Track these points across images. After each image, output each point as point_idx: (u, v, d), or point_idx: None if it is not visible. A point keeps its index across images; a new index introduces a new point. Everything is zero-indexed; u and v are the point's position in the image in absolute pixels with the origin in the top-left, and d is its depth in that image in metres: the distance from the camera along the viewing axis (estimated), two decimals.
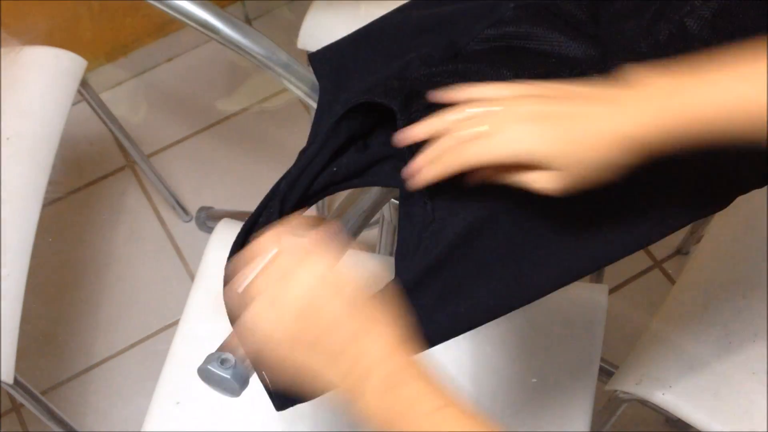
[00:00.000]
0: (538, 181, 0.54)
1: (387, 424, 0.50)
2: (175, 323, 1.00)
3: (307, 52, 1.21)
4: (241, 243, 0.61)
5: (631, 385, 0.91)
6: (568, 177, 0.53)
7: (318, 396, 0.55)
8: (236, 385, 0.57)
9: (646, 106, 0.51)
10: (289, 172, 0.64)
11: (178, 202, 1.59)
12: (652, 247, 1.52)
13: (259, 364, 0.56)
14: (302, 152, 0.65)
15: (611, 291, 1.47)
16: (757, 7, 0.66)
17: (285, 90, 1.71)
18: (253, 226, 0.62)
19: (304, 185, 0.63)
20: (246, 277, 0.53)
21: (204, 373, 0.58)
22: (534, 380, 0.90)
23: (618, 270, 1.50)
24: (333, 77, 0.69)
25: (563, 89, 0.55)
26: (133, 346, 1.49)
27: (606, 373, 1.08)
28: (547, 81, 0.56)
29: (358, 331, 0.51)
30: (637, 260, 1.52)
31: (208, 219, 1.58)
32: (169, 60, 1.81)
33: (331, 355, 0.50)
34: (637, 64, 0.54)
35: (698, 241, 1.44)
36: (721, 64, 0.51)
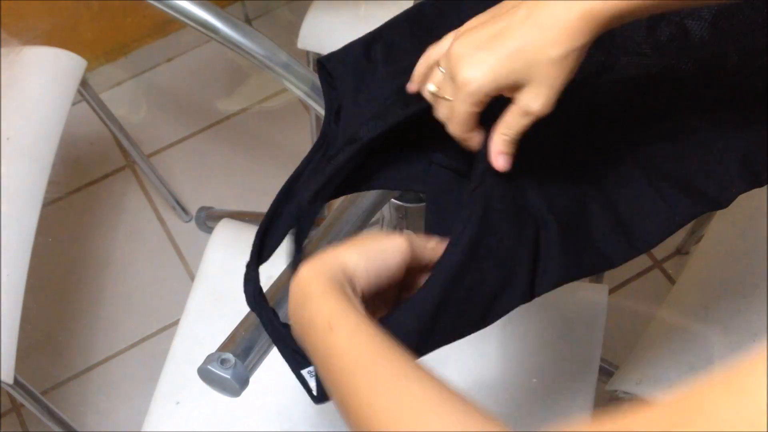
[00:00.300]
0: (523, 102, 0.52)
1: (302, 340, 0.50)
2: (175, 323, 0.99)
3: (308, 52, 1.21)
4: (258, 248, 0.60)
5: (631, 385, 0.91)
6: (546, 86, 0.51)
7: None
8: (236, 385, 0.57)
9: None
10: (307, 180, 0.62)
11: (178, 202, 1.59)
12: None
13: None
14: (314, 154, 0.64)
15: (611, 291, 1.47)
16: (757, 8, 0.66)
17: (285, 90, 1.71)
18: (267, 231, 0.61)
19: (326, 196, 0.62)
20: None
21: (204, 373, 0.58)
22: (534, 380, 0.90)
23: (618, 270, 1.50)
24: (350, 73, 0.68)
25: (498, 7, 0.53)
26: (133, 346, 1.49)
27: (606, 373, 1.08)
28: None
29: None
30: (637, 260, 1.52)
31: (208, 219, 1.58)
32: (169, 60, 1.81)
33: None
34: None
35: (698, 241, 1.44)
36: None
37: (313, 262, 0.51)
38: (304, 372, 0.55)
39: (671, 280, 1.50)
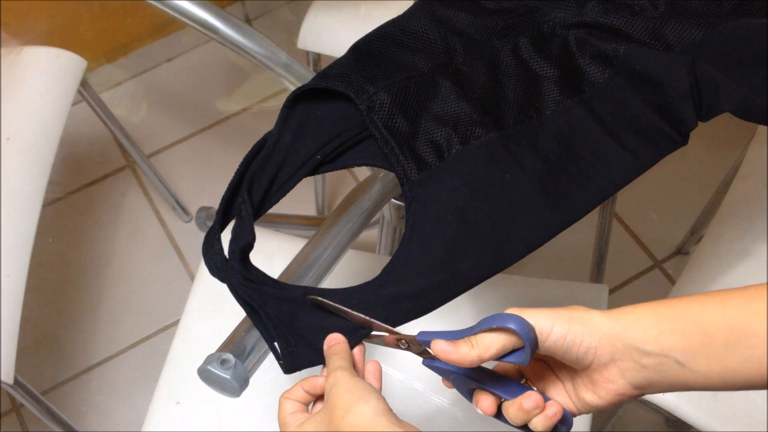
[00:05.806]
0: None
1: None
2: (175, 323, 1.00)
3: (308, 52, 1.21)
4: (219, 224, 0.61)
5: None
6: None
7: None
8: (236, 386, 0.57)
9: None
10: (265, 163, 0.64)
11: (178, 202, 1.59)
12: (652, 247, 1.52)
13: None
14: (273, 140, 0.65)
15: (611, 291, 1.47)
16: None
17: (285, 90, 1.71)
18: (228, 209, 0.62)
19: (286, 177, 0.64)
20: None
21: (204, 374, 0.58)
22: None
23: (618, 270, 1.50)
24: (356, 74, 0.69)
25: None
26: (133, 346, 1.49)
27: None
28: None
29: None
30: (637, 260, 1.52)
31: (208, 219, 1.58)
32: (169, 60, 1.81)
33: None
34: None
35: (698, 241, 1.44)
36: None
37: None
38: (275, 344, 0.56)
39: (671, 280, 1.50)
